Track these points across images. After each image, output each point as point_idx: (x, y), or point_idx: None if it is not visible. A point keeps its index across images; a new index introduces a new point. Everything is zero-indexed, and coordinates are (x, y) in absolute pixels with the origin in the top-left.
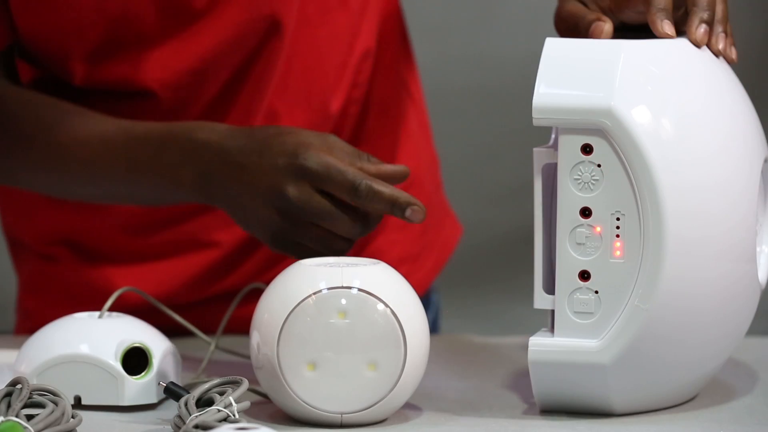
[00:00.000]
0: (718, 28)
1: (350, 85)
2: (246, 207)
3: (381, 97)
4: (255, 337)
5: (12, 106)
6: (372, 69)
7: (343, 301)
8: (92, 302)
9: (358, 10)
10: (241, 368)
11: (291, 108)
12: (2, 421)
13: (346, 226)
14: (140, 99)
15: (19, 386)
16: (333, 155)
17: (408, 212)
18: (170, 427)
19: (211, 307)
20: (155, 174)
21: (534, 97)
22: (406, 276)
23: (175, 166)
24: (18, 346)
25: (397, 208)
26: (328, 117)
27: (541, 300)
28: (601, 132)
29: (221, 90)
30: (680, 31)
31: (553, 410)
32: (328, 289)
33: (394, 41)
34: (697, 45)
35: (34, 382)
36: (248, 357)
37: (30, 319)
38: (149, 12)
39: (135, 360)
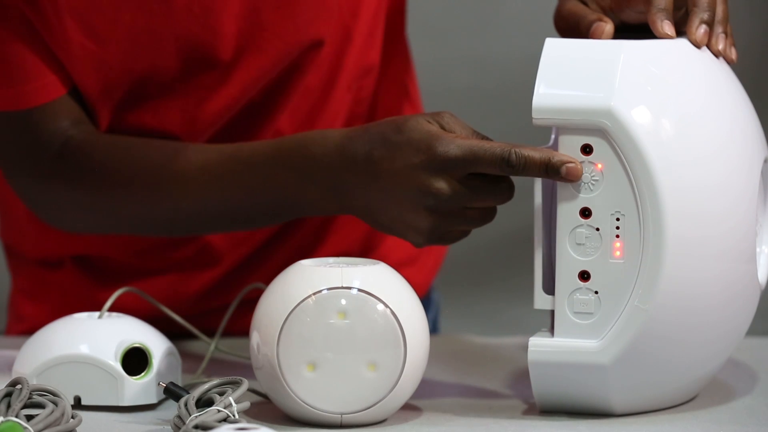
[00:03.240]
0: (718, 29)
1: (352, 102)
2: (390, 212)
3: (385, 110)
4: (255, 337)
5: (102, 152)
6: (375, 84)
7: (343, 302)
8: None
9: (367, 31)
10: (241, 368)
11: (297, 129)
12: (2, 422)
13: (497, 196)
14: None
15: (18, 386)
16: (457, 135)
17: (563, 171)
18: (170, 427)
19: (212, 315)
20: (274, 196)
21: (534, 98)
22: (408, 279)
23: (294, 185)
24: (14, 346)
25: (551, 169)
26: None
27: (541, 300)
28: (601, 132)
29: (234, 119)
30: (680, 31)
31: (552, 410)
32: (328, 289)
33: (398, 54)
34: (697, 45)
35: (34, 382)
36: (248, 357)
37: (24, 324)
38: (174, 68)
39: (135, 360)
